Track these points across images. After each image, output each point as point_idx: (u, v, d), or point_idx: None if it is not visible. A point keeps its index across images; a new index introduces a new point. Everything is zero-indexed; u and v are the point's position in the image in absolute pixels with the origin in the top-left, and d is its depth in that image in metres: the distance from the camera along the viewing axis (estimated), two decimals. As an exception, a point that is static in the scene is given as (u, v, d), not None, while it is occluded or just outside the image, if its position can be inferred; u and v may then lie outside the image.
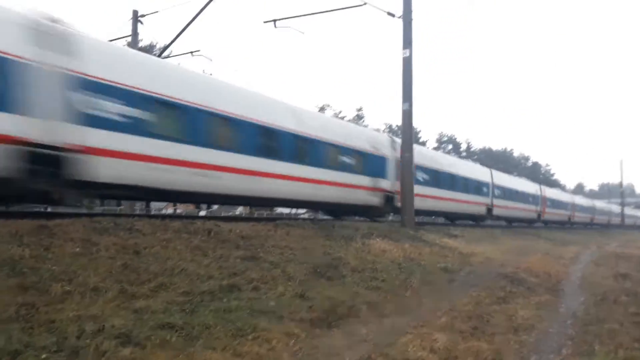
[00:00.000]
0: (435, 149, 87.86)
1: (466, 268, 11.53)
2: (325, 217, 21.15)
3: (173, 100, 11.63)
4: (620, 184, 68.01)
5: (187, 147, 11.76)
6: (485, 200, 30.12)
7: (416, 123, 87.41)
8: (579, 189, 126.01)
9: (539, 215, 39.56)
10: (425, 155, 25.10)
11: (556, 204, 44.15)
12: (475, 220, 29.91)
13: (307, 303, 6.35)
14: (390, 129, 74.27)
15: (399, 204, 18.79)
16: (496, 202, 31.09)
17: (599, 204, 64.95)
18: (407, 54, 16.33)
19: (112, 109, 10.27)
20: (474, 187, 28.55)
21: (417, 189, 18.50)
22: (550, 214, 42.01)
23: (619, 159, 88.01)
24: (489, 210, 30.41)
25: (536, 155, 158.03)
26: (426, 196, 21.43)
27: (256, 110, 14.21)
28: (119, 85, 10.43)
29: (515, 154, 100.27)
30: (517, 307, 7.98)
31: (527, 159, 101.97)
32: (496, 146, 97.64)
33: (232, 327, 5.06)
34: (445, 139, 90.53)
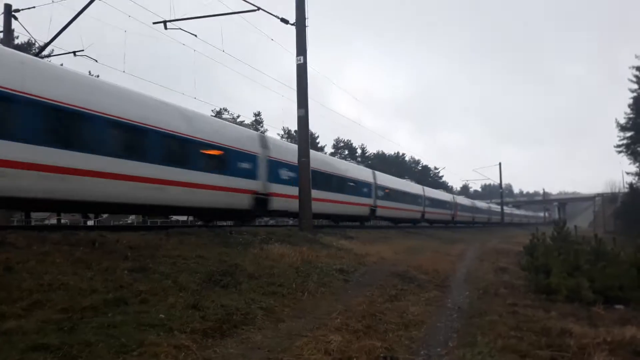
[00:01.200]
0: (332, 154, 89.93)
1: (361, 268, 11.84)
2: (222, 224, 20.70)
3: None
4: (500, 185, 73.84)
5: None
6: (369, 201, 29.94)
7: (314, 129, 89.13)
8: (464, 190, 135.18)
9: (423, 215, 41.19)
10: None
11: (439, 204, 46.41)
12: (360, 221, 29.77)
13: (200, 313, 6.12)
14: (289, 134, 74.79)
15: (273, 207, 18.77)
16: (380, 202, 31.18)
17: (480, 203, 70.16)
18: (302, 61, 16.51)
19: (283, 172, 19.89)
20: (357, 188, 28.15)
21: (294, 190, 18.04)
22: (434, 213, 43.90)
23: (498, 161, 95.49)
24: (373, 211, 30.79)
25: (425, 159, 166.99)
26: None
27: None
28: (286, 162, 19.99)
29: (407, 158, 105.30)
30: (408, 304, 8.30)
31: (417, 162, 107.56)
32: (389, 151, 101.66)
33: (116, 343, 4.73)
34: (342, 144, 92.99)
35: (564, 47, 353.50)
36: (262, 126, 72.10)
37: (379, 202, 31.39)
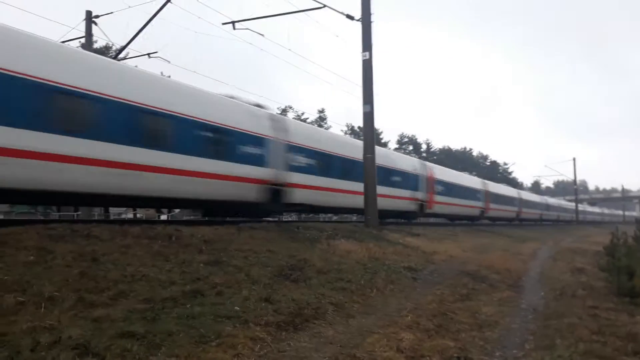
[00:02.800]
0: (397, 149, 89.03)
1: (429, 266, 11.67)
2: (289, 219, 20.94)
3: None
4: (574, 181, 70.31)
5: None
6: (418, 195, 26.99)
7: (378, 124, 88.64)
8: (535, 187, 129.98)
9: (483, 212, 37.90)
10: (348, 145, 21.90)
11: (502, 199, 42.32)
12: (407, 218, 26.45)
13: (273, 306, 6.26)
14: (352, 131, 74.79)
15: (291, 199, 16.31)
16: (434, 197, 28.11)
17: (549, 200, 66.74)
18: (367, 57, 16.44)
19: (302, 159, 17.54)
20: (401, 179, 25.09)
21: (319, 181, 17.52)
22: (495, 209, 40.35)
23: (572, 156, 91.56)
24: (482, 212, 30.33)
25: (495, 154, 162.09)
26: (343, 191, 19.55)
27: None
28: (306, 147, 17.69)
29: (474, 153, 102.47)
30: (480, 303, 8.12)
31: (485, 158, 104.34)
32: (455, 146, 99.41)
33: (195, 333, 4.94)
34: (406, 139, 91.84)
35: (630, 35, 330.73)
36: (325, 123, 72.51)
37: (434, 197, 28.58)
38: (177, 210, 25.55)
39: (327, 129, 71.70)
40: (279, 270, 8.25)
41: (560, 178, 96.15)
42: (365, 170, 17.06)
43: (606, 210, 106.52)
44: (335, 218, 31.69)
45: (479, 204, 37.43)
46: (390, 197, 22.55)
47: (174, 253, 7.99)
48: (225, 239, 9.84)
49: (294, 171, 16.77)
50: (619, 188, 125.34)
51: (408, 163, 27.20)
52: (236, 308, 5.94)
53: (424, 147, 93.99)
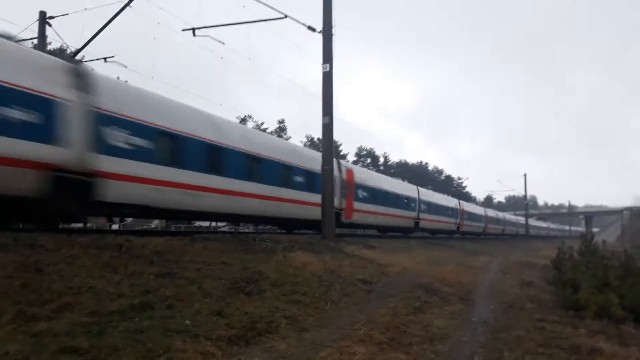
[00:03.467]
0: (355, 162, 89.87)
1: (384, 279, 11.75)
2: (245, 230, 20.61)
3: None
4: (525, 197, 72.73)
5: None
6: (413, 214, 32.50)
7: (337, 136, 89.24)
8: (488, 201, 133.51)
9: (458, 228, 42.24)
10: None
11: (472, 217, 46.71)
12: (404, 232, 32.47)
13: (225, 320, 6.15)
14: (312, 142, 75.06)
15: (110, 197, 11.52)
16: (354, 205, 24.74)
17: (508, 216, 69.43)
18: (327, 69, 16.57)
19: (129, 137, 12.14)
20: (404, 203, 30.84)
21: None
22: (468, 226, 44.73)
23: (524, 172, 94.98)
24: (416, 223, 32.47)
25: (449, 169, 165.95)
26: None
27: None
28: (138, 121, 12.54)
29: (430, 167, 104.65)
30: (432, 316, 8.22)
31: (440, 172, 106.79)
32: (412, 160, 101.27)
33: (143, 348, 4.78)
34: (365, 152, 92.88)
35: (577, 56, 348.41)
36: (285, 133, 72.52)
37: (422, 215, 33.43)
38: (129, 220, 24.87)
39: (286, 140, 71.81)
40: (232, 283, 8.12)
41: (512, 193, 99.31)
42: (323, 182, 17.11)
43: (553, 225, 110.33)
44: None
45: (456, 220, 40.22)
46: (281, 200, 18.23)
47: (124, 264, 7.74)
48: (178, 250, 9.62)
49: (114, 154, 11.78)
50: (566, 204, 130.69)
51: (310, 158, 21.23)
52: (187, 322, 5.79)
53: (381, 160, 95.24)
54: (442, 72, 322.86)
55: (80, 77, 11.43)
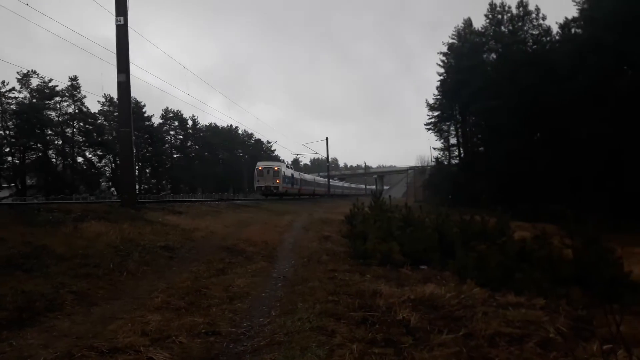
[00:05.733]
0: (161, 125, 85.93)
1: (188, 244, 11.52)
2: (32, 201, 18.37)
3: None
4: (327, 159, 77.87)
5: None
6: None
7: (140, 96, 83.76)
8: (295, 164, 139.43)
9: (298, 191, 57.01)
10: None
11: (289, 180, 52.63)
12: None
13: (-6, 302, 5.36)
14: (111, 102, 69.39)
15: None
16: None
17: (318, 178, 76.16)
18: (122, 22, 15.23)
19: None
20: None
21: None
22: (304, 189, 60.51)
23: (325, 137, 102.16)
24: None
25: (259, 133, 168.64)
26: None
27: None
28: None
29: (240, 131, 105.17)
30: (234, 277, 8.29)
31: (250, 136, 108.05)
32: (222, 124, 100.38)
33: None
34: (172, 115, 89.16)
35: (357, 27, 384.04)
36: (79, 92, 65.60)
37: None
38: None
39: (81, 99, 65.07)
40: (7, 261, 7.15)
41: (316, 156, 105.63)
42: (120, 145, 15.93)
43: (353, 185, 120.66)
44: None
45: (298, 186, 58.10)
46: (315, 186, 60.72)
47: None
48: None
49: (299, 184, 48.81)
50: (363, 165, 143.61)
51: (324, 182, 66.20)
52: (-60, 310, 4.91)
53: (189, 123, 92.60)
54: (240, 36, 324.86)
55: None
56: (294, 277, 8.50)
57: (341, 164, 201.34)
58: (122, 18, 15.23)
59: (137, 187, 61.43)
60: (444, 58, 71.04)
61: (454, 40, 69.72)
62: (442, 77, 71.60)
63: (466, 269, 8.42)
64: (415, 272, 9.22)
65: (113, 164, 69.72)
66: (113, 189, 68.88)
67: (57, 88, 63.47)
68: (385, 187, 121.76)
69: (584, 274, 7.99)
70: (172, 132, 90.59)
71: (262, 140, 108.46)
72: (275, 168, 48.97)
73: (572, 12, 55.02)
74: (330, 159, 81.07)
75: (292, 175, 54.02)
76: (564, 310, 5.54)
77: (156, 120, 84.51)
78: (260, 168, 48.66)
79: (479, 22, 70.74)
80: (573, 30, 52.64)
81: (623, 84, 39.86)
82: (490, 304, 5.70)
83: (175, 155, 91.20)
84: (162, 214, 16.16)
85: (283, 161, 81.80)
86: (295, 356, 4.14)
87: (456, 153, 72.20)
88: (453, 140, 72.83)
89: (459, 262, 8.86)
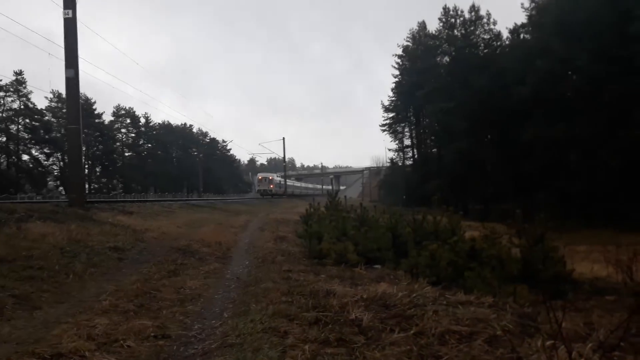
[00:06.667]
0: (113, 122, 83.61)
1: (139, 245, 11.24)
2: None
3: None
4: (284, 159, 77.71)
5: None
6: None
7: (90, 92, 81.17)
8: (251, 164, 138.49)
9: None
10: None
11: (278, 185, 73.26)
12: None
13: None
14: (59, 98, 66.90)
15: None
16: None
17: (296, 182, 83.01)
18: (70, 15, 14.68)
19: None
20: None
21: None
22: (277, 191, 71.89)
23: (282, 136, 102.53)
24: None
25: (214, 132, 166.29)
26: None
27: None
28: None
29: (194, 130, 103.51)
30: (186, 278, 8.14)
31: (205, 135, 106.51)
32: (176, 122, 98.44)
33: None
34: (123, 112, 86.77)
35: (310, 27, 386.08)
36: (24, 87, 62.92)
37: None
38: None
39: (27, 94, 62.50)
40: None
41: (273, 156, 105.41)
42: (68, 143, 15.37)
43: (310, 185, 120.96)
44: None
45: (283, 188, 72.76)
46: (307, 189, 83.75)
47: None
48: None
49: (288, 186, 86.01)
50: (320, 165, 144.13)
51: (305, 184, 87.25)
52: None
53: (142, 121, 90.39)
54: (193, 33, 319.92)
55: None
56: (248, 278, 8.42)
57: (298, 164, 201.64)
58: (70, 11, 14.69)
59: (86, 186, 59.25)
60: (399, 60, 72.29)
61: (408, 43, 71.01)
62: (397, 79, 72.77)
63: (418, 267, 8.57)
64: (370, 271, 9.30)
65: (61, 162, 67.22)
66: (61, 188, 66.43)
67: (1, 82, 60.70)
68: (342, 187, 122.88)
69: (531, 272, 8.29)
70: (123, 130, 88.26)
71: (217, 139, 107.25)
72: (270, 177, 74.71)
73: (522, 18, 56.85)
74: (287, 159, 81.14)
75: (280, 181, 76.17)
76: (511, 308, 5.70)
77: (107, 118, 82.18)
78: (260, 177, 75.77)
79: (433, 26, 72.24)
80: (522, 36, 54.61)
81: (567, 89, 41.61)
82: (441, 302, 5.79)
83: (127, 154, 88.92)
84: (112, 214, 15.71)
85: (239, 161, 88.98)
86: (247, 358, 4.09)
87: (410, 154, 73.52)
88: (407, 142, 74.23)
89: (411, 261, 9.00)
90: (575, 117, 39.16)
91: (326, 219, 13.24)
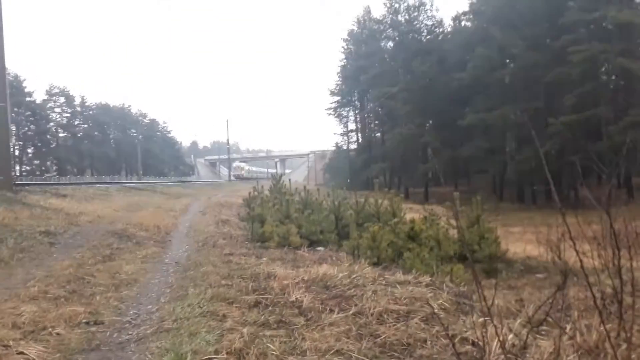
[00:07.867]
0: (45, 101, 79.49)
1: (72, 229, 10.76)
2: None
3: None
4: (227, 142, 76.63)
5: None
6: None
7: (20, 71, 76.54)
8: (194, 146, 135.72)
9: None
10: None
11: (248, 171, 78.14)
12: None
13: None
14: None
15: None
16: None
17: (259, 169, 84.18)
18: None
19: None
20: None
21: None
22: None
23: (226, 118, 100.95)
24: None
25: (154, 113, 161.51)
26: None
27: None
28: None
29: (133, 110, 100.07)
30: (122, 263, 7.86)
31: (144, 115, 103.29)
32: (114, 102, 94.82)
33: None
34: (57, 91, 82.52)
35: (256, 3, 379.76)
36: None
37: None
38: None
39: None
40: None
41: (217, 139, 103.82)
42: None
43: (255, 168, 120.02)
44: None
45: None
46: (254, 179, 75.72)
47: None
48: None
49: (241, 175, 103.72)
50: (265, 149, 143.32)
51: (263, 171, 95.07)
52: None
53: (78, 100, 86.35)
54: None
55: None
56: (187, 262, 8.23)
57: (243, 148, 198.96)
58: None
59: (16, 168, 56.01)
60: (344, 44, 72.29)
61: (353, 27, 71.12)
62: (342, 63, 72.94)
63: (360, 249, 8.68)
64: (312, 253, 9.32)
65: (-12, 143, 63.22)
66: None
67: None
68: (287, 171, 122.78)
69: (467, 252, 8.57)
70: (57, 110, 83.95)
71: (157, 120, 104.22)
72: (242, 166, 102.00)
73: (464, 6, 58.29)
74: (231, 142, 79.89)
75: (249, 169, 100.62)
76: (448, 287, 5.86)
77: (40, 97, 77.94)
78: (236, 165, 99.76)
79: (379, 11, 72.72)
80: (463, 23, 55.96)
81: (505, 75, 43.12)
82: (380, 282, 5.88)
83: (61, 135, 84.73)
84: (44, 197, 14.96)
85: (180, 144, 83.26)
86: (183, 342, 3.99)
87: (355, 138, 74.20)
88: (352, 126, 74.75)
89: (353, 242, 9.10)
90: (512, 103, 40.72)
91: (269, 202, 13.15)
